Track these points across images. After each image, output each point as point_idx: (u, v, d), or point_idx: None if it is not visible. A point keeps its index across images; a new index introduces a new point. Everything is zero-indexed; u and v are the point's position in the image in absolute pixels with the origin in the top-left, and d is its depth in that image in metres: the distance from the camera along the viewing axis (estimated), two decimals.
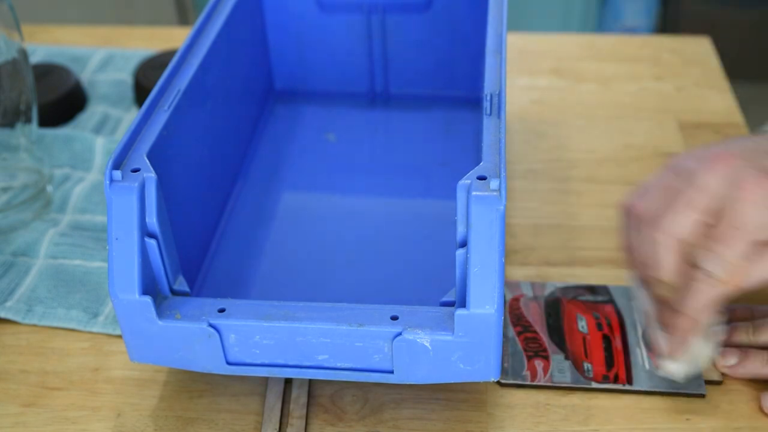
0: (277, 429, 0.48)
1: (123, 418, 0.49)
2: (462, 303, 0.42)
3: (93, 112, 0.74)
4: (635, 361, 0.50)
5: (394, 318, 0.43)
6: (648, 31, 1.87)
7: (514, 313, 0.54)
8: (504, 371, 0.50)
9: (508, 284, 0.55)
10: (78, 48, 0.84)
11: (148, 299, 0.43)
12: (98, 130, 0.72)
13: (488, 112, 0.46)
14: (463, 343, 0.42)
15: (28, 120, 0.61)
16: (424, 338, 0.42)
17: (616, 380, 0.49)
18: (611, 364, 0.50)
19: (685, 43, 0.83)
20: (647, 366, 0.50)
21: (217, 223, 0.58)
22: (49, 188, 0.64)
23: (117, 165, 0.44)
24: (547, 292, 0.55)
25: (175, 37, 0.86)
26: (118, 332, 0.54)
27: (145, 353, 0.46)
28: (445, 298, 0.44)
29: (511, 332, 0.52)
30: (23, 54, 0.59)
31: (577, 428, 0.48)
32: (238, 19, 0.60)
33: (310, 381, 0.50)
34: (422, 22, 0.67)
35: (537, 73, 0.79)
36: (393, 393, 0.50)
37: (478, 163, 0.43)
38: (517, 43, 0.83)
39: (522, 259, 0.59)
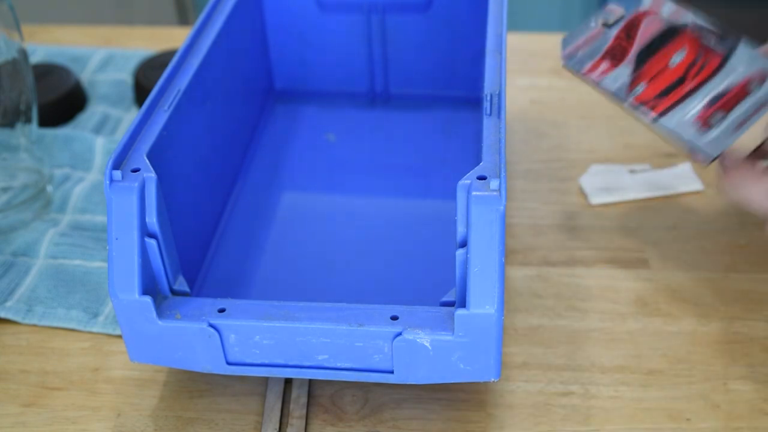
0: (277, 429, 0.48)
1: (123, 418, 0.49)
2: (462, 303, 0.42)
3: (93, 112, 0.74)
4: (684, 107, 0.52)
5: (394, 318, 0.43)
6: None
7: (632, 22, 0.54)
8: (574, 52, 0.54)
9: None
10: (78, 48, 0.84)
11: (148, 299, 0.43)
12: (98, 130, 0.72)
13: (488, 112, 0.46)
14: (463, 343, 0.42)
15: (28, 120, 0.61)
16: (424, 338, 0.42)
17: (652, 109, 0.51)
18: (663, 95, 0.52)
19: None
20: (689, 117, 0.51)
21: (217, 223, 0.58)
22: (49, 188, 0.64)
23: (117, 165, 0.44)
24: (681, 20, 0.55)
25: (175, 37, 0.87)
26: (118, 332, 0.54)
27: (145, 353, 0.46)
28: (445, 298, 0.44)
29: (615, 31, 0.54)
30: (23, 54, 0.59)
31: (577, 428, 0.48)
32: (238, 19, 0.60)
33: (310, 381, 0.50)
34: (422, 22, 0.67)
35: (537, 73, 0.79)
36: (393, 393, 0.50)
37: (478, 163, 0.43)
38: (517, 43, 0.83)
39: (522, 259, 0.59)
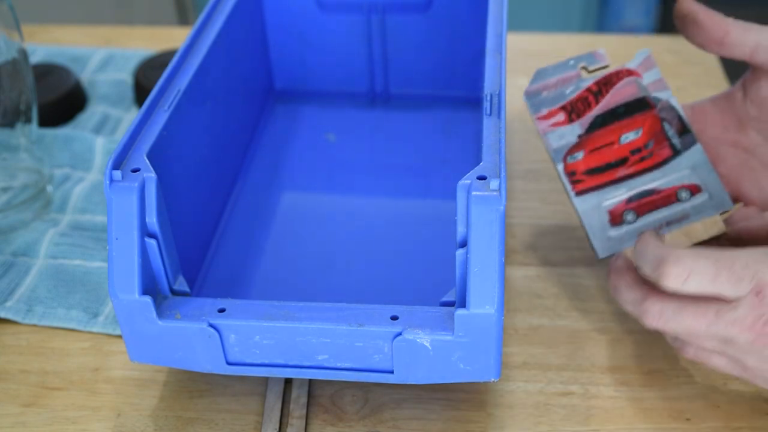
0: (277, 429, 0.48)
1: (123, 418, 0.49)
2: (462, 303, 0.42)
3: (93, 112, 0.74)
4: (605, 194, 0.51)
5: (394, 318, 0.43)
6: (648, 31, 1.87)
7: (610, 77, 0.53)
8: (539, 90, 0.53)
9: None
10: (78, 48, 0.84)
11: (148, 299, 0.43)
12: (98, 130, 0.72)
13: (488, 112, 0.46)
14: (463, 343, 0.42)
15: (28, 120, 0.61)
16: (424, 338, 0.42)
17: (575, 183, 0.52)
18: (595, 173, 0.52)
19: (685, 43, 0.82)
20: (603, 206, 0.51)
21: (217, 223, 0.58)
22: (49, 188, 0.64)
23: (117, 165, 0.44)
24: (656, 93, 0.53)
25: (175, 37, 0.87)
26: (118, 332, 0.54)
27: (145, 353, 0.46)
28: (445, 298, 0.44)
29: (589, 82, 0.53)
30: (23, 54, 0.59)
31: (577, 428, 0.48)
32: (238, 19, 0.60)
33: (310, 381, 0.50)
34: (422, 22, 0.67)
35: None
36: (393, 393, 0.50)
37: (478, 163, 0.43)
38: (517, 43, 0.83)
39: (522, 259, 0.59)
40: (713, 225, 0.51)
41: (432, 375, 0.44)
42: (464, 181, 0.42)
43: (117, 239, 0.43)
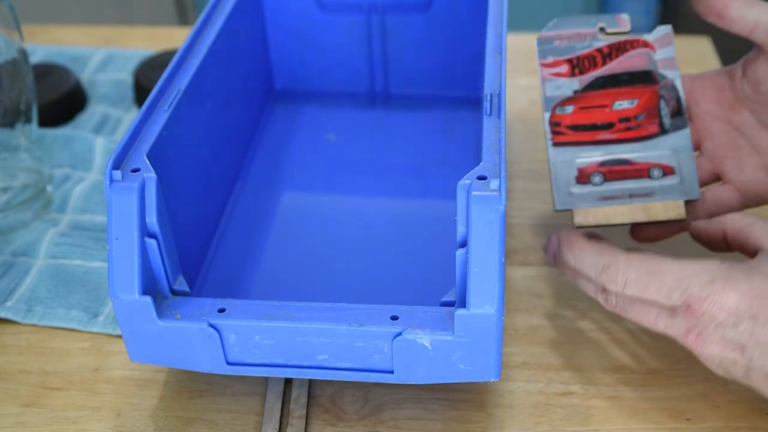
0: (277, 429, 0.48)
1: (123, 418, 0.49)
2: (462, 303, 0.42)
3: (93, 112, 0.74)
4: (581, 151, 0.51)
5: (394, 318, 0.43)
6: (648, 31, 1.87)
7: (624, 43, 0.53)
8: (552, 38, 0.53)
9: None
10: (78, 48, 0.84)
11: (148, 299, 0.43)
12: (98, 130, 0.72)
13: (488, 112, 0.46)
14: (463, 343, 0.42)
15: (28, 120, 0.61)
16: (424, 338, 0.42)
17: (555, 134, 0.51)
18: (578, 129, 0.51)
19: (685, 43, 0.83)
20: (575, 163, 0.51)
21: (217, 223, 0.58)
22: (49, 188, 0.64)
23: (117, 165, 0.44)
24: (663, 71, 0.53)
25: (175, 37, 0.87)
26: (118, 332, 0.54)
27: (145, 353, 0.46)
28: (445, 298, 0.44)
29: (603, 43, 0.53)
30: (23, 54, 0.59)
31: (577, 428, 0.48)
32: (238, 19, 0.60)
33: (310, 381, 0.50)
34: (422, 22, 0.67)
35: (537, 73, 0.79)
36: (393, 393, 0.50)
37: (478, 163, 0.43)
38: (517, 43, 0.83)
39: (522, 259, 0.59)
40: (674, 208, 0.50)
41: (432, 375, 0.44)
42: (464, 181, 0.42)
43: (117, 239, 0.43)
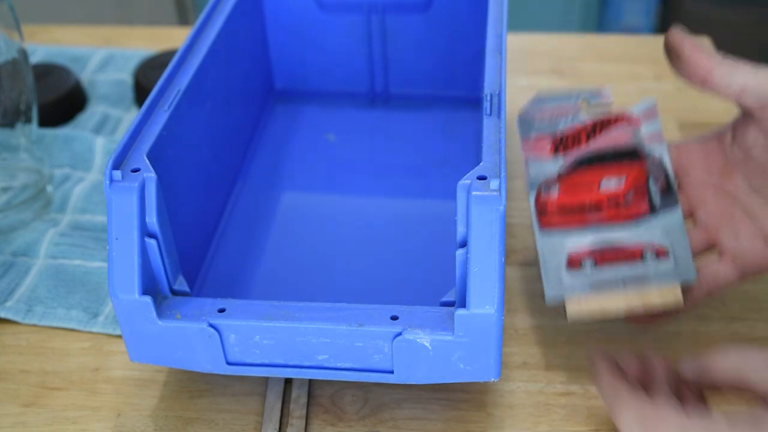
0: (277, 429, 0.48)
1: (123, 418, 0.49)
2: (462, 303, 0.42)
3: (93, 112, 0.74)
4: (570, 236, 0.49)
5: (394, 318, 0.43)
6: (648, 31, 1.87)
7: (609, 119, 0.51)
8: (533, 114, 0.51)
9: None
10: (78, 48, 0.84)
11: (148, 299, 0.43)
12: (98, 130, 0.72)
13: (488, 112, 0.46)
14: (463, 343, 0.42)
15: (28, 120, 0.61)
16: (424, 338, 0.42)
17: (542, 218, 0.49)
18: (566, 213, 0.49)
19: None
20: (565, 249, 0.49)
21: (217, 223, 0.58)
22: (49, 188, 0.64)
23: (117, 165, 0.44)
24: (650, 147, 0.50)
25: (175, 37, 0.87)
26: (118, 332, 0.54)
27: (145, 353, 0.46)
28: (445, 298, 0.44)
29: (586, 117, 0.50)
30: (23, 54, 0.59)
31: (577, 428, 0.48)
32: (238, 19, 0.60)
33: (310, 381, 0.50)
34: (422, 22, 0.67)
35: (537, 73, 0.79)
36: (393, 393, 0.50)
37: (478, 163, 0.43)
38: (517, 43, 0.83)
39: (522, 259, 0.59)
40: (671, 294, 0.47)
41: (432, 375, 0.44)
42: (464, 181, 0.42)
43: (117, 239, 0.43)
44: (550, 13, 1.82)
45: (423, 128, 0.68)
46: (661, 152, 0.50)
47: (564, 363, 0.51)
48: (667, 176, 0.50)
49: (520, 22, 1.76)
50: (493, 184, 0.41)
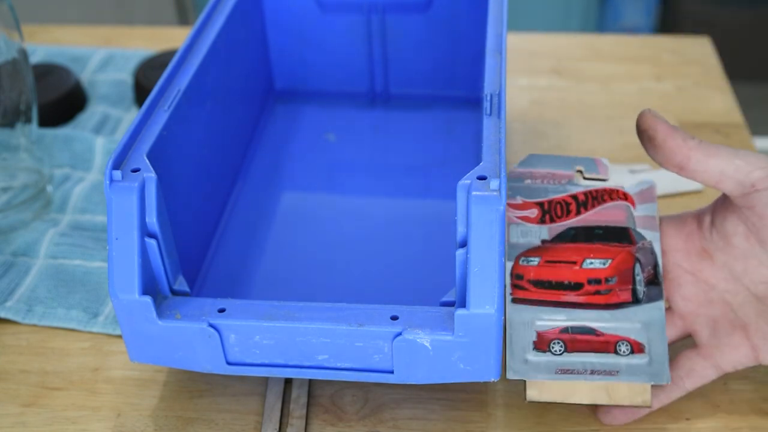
0: (277, 429, 0.48)
1: (123, 418, 0.49)
2: (462, 303, 0.42)
3: (93, 112, 0.74)
4: (541, 313, 0.46)
5: (394, 318, 0.43)
6: (648, 31, 1.87)
7: (603, 192, 0.48)
8: (524, 174, 0.48)
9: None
10: (78, 48, 0.84)
11: (148, 299, 0.43)
12: (98, 130, 0.72)
13: (488, 112, 0.46)
14: (463, 343, 0.42)
15: (28, 120, 0.61)
16: (424, 338, 0.42)
17: (515, 289, 0.47)
18: (541, 287, 0.47)
19: (685, 43, 0.83)
20: (534, 326, 0.46)
21: (217, 223, 0.58)
22: (49, 188, 0.64)
23: (117, 165, 0.44)
24: (643, 231, 0.48)
25: (175, 37, 0.87)
26: (118, 332, 0.54)
27: (145, 353, 0.46)
28: (445, 298, 0.44)
29: (579, 189, 0.48)
30: (23, 54, 0.59)
31: (577, 428, 0.48)
32: (238, 19, 0.60)
33: (310, 381, 0.50)
34: (422, 22, 0.67)
35: (537, 73, 0.79)
36: (393, 393, 0.50)
37: (478, 163, 0.43)
38: (517, 43, 0.83)
39: None
40: (640, 393, 0.44)
41: (432, 375, 0.44)
42: (464, 181, 0.42)
43: (117, 239, 0.43)
44: (550, 13, 1.82)
45: (423, 128, 0.68)
46: (652, 239, 0.48)
47: None
48: (655, 266, 0.47)
49: (520, 22, 1.76)
50: (493, 184, 0.41)
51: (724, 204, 0.46)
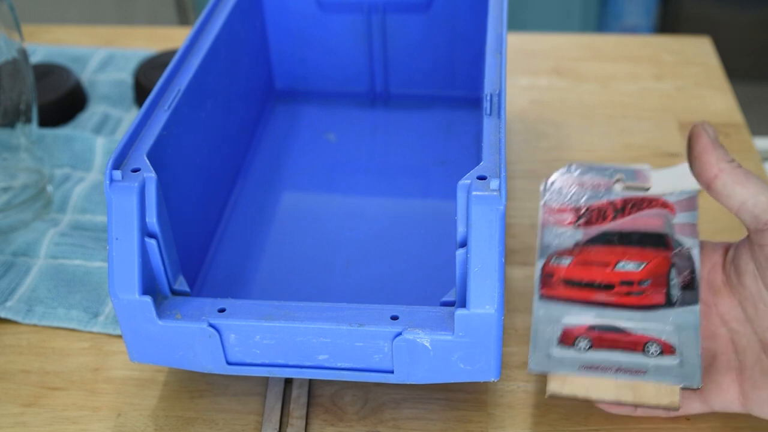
0: (277, 429, 0.48)
1: (123, 418, 0.49)
2: (462, 303, 0.42)
3: (93, 112, 0.74)
4: (570, 309, 0.46)
5: (394, 318, 0.43)
6: (648, 31, 1.87)
7: (641, 201, 0.47)
8: (562, 182, 0.47)
9: None
10: (78, 48, 0.84)
11: (148, 299, 0.43)
12: (98, 130, 0.72)
13: (488, 112, 0.46)
14: (463, 343, 0.42)
15: (28, 120, 0.61)
16: (424, 338, 0.42)
17: (544, 286, 0.46)
18: (572, 285, 0.46)
19: (685, 43, 0.83)
20: (562, 321, 0.45)
21: (217, 223, 0.58)
22: (49, 188, 0.64)
23: (117, 165, 0.44)
24: (680, 238, 0.47)
25: (175, 37, 0.87)
26: (118, 332, 0.54)
27: (145, 353, 0.46)
28: (445, 298, 0.44)
29: (618, 196, 0.47)
30: (23, 54, 0.59)
31: (577, 428, 0.48)
32: (238, 19, 0.60)
33: (310, 381, 0.50)
34: (422, 22, 0.67)
35: (537, 73, 0.79)
36: (393, 393, 0.50)
37: (478, 163, 0.43)
38: (517, 43, 0.83)
39: (522, 259, 0.59)
40: (668, 394, 0.43)
41: (432, 375, 0.44)
42: (464, 181, 0.42)
43: (117, 239, 0.43)
44: (550, 13, 1.82)
45: (423, 128, 0.68)
46: (691, 245, 0.47)
47: None
48: (692, 272, 0.46)
49: (520, 22, 1.76)
50: (493, 184, 0.41)
51: (745, 240, 0.45)
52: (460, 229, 0.42)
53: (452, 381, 0.44)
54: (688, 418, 0.48)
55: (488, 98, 0.47)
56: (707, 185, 0.44)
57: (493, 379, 0.44)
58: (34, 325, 0.55)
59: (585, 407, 0.49)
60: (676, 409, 0.43)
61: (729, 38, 1.78)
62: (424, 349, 0.43)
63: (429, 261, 0.55)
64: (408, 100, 0.71)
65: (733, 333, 0.45)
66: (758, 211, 0.43)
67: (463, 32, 0.67)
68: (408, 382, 0.44)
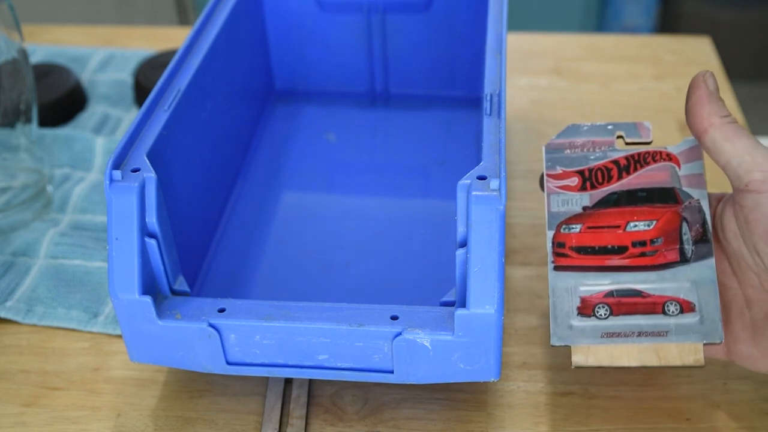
0: (277, 429, 0.48)
1: (123, 418, 0.49)
2: (462, 303, 0.42)
3: (93, 112, 0.74)
4: (585, 278, 0.46)
5: (394, 318, 0.43)
6: (648, 31, 1.87)
7: (645, 155, 0.47)
8: (562, 145, 0.47)
9: None
10: (78, 48, 0.84)
11: (148, 299, 0.43)
12: (98, 130, 0.72)
13: (488, 112, 0.46)
14: (463, 343, 0.42)
15: (28, 120, 0.61)
16: (424, 338, 0.42)
17: (557, 256, 0.46)
18: (584, 252, 0.46)
19: (685, 43, 0.83)
20: (578, 291, 0.45)
21: (217, 223, 0.58)
22: (49, 188, 0.64)
23: (117, 165, 0.44)
24: (689, 189, 0.47)
25: (175, 37, 0.87)
26: (118, 332, 0.54)
27: (145, 353, 0.46)
28: (445, 298, 0.44)
29: (621, 153, 0.47)
30: (23, 54, 0.59)
31: (577, 428, 0.48)
32: (238, 19, 0.60)
33: (310, 381, 0.50)
34: (422, 22, 0.67)
35: (537, 73, 0.79)
36: (393, 393, 0.50)
37: (478, 163, 0.43)
38: (517, 43, 0.83)
39: (522, 259, 0.59)
40: (692, 352, 0.43)
41: (432, 375, 0.44)
42: (464, 181, 0.42)
43: (117, 239, 0.43)
44: (550, 13, 1.82)
45: (423, 128, 0.68)
46: (699, 196, 0.46)
47: (564, 363, 0.51)
48: (704, 224, 0.45)
49: (520, 22, 1.76)
50: (493, 184, 0.41)
51: (730, 197, 0.45)
52: (460, 229, 0.42)
53: (452, 381, 0.44)
54: (688, 418, 0.48)
55: (488, 98, 0.47)
56: (697, 137, 0.44)
57: (493, 379, 0.44)
58: (34, 325, 0.55)
59: (584, 408, 0.49)
60: (701, 366, 0.43)
61: (729, 38, 1.78)
62: (424, 349, 0.43)
63: (429, 261, 0.55)
64: (408, 100, 0.71)
65: (720, 286, 0.46)
66: (741, 171, 0.42)
67: (463, 32, 0.67)
68: (408, 382, 0.44)
